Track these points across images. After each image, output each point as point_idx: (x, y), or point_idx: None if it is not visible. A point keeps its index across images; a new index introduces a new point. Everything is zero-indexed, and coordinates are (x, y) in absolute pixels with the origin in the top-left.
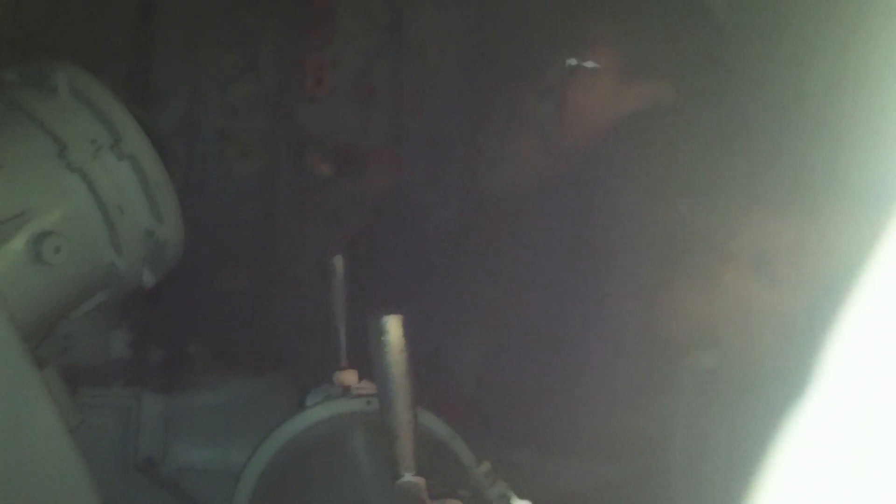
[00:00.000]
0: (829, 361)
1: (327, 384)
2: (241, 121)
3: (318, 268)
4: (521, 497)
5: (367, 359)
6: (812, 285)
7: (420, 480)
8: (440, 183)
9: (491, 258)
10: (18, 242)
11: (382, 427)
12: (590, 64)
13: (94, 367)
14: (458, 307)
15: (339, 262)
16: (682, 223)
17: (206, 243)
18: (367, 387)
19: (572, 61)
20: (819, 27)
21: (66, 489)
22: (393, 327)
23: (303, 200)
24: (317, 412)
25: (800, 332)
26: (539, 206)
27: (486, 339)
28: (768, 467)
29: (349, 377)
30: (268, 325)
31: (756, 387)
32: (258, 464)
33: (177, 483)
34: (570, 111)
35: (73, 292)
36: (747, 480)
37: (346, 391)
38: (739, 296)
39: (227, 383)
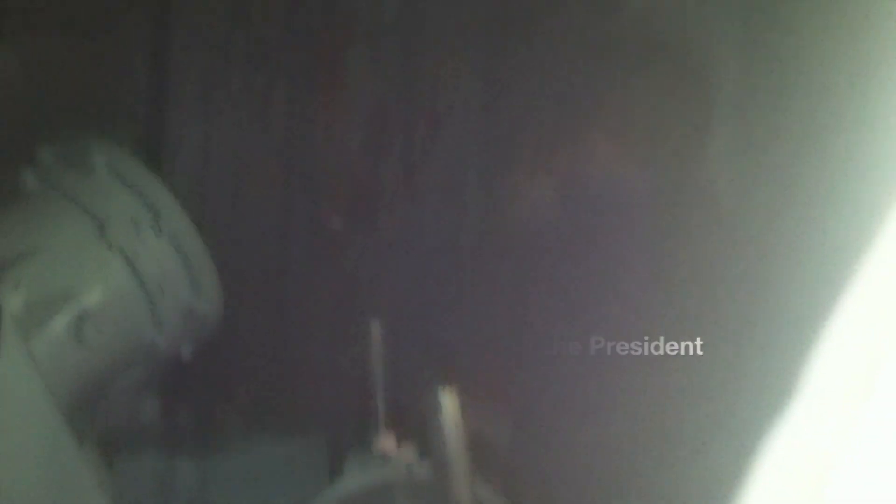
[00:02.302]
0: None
1: (365, 450)
2: (254, 173)
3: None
4: None
5: (403, 423)
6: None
7: None
8: (453, 231)
9: (508, 305)
10: (59, 324)
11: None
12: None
13: (124, 433)
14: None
15: (375, 327)
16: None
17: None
18: (406, 453)
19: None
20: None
21: None
22: (449, 401)
23: (318, 254)
24: (355, 480)
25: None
26: (553, 249)
27: (515, 398)
28: None
29: (388, 444)
30: (296, 385)
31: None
32: None
33: None
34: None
35: (113, 371)
36: None
37: (385, 458)
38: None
39: (258, 446)
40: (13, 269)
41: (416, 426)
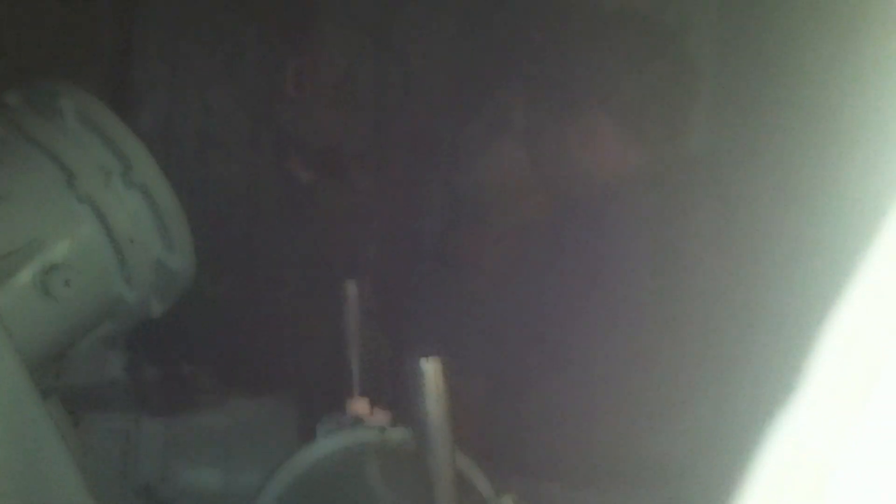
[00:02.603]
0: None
1: (337, 412)
2: (222, 123)
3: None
4: None
5: (376, 385)
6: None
7: None
8: (425, 190)
9: (481, 272)
10: (26, 276)
11: (423, 471)
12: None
13: (90, 390)
14: (459, 327)
15: (351, 287)
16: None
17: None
18: (380, 416)
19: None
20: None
21: None
22: (432, 370)
23: (287, 205)
24: (330, 443)
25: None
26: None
27: (491, 361)
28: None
29: (362, 406)
30: (268, 342)
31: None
32: (271, 496)
33: None
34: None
35: (81, 325)
36: None
37: (358, 421)
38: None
39: (227, 404)
40: None
41: (391, 389)
